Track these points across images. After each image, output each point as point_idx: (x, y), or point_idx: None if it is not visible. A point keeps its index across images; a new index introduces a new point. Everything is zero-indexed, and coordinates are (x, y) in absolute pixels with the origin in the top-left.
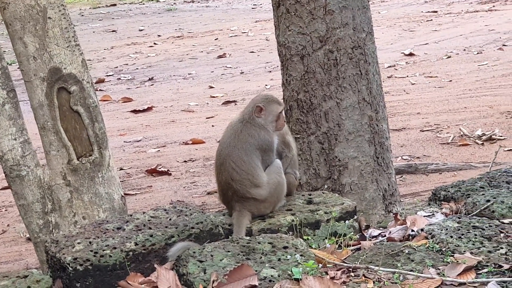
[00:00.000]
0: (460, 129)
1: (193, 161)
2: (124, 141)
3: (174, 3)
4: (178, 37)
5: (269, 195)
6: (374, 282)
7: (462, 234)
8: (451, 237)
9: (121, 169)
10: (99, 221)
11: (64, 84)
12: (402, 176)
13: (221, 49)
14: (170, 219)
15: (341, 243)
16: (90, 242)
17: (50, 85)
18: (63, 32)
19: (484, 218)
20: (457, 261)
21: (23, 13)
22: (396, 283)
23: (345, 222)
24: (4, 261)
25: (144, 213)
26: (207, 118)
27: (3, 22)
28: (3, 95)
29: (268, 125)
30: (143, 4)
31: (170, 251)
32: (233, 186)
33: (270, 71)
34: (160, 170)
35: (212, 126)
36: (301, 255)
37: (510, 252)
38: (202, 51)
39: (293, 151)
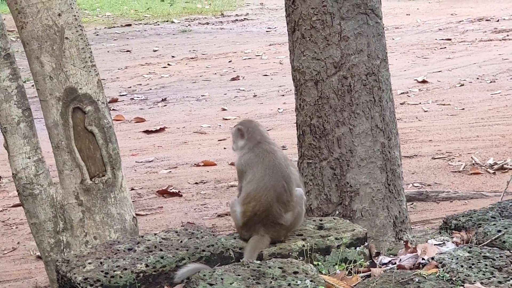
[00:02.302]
0: (472, 157)
1: (204, 183)
2: (135, 162)
3: (188, 25)
4: (192, 58)
5: (291, 224)
6: None
7: (473, 264)
8: (462, 266)
9: (132, 189)
10: (110, 241)
11: (79, 104)
12: (412, 203)
13: (234, 71)
14: (181, 241)
15: (351, 269)
16: (101, 263)
17: (65, 105)
18: (80, 53)
19: (495, 248)
20: None
21: (41, 33)
22: None
23: (355, 248)
24: (13, 278)
25: (155, 234)
26: (219, 140)
27: (19, 40)
28: (18, 113)
29: None
30: (158, 25)
31: (178, 273)
32: (273, 208)
33: (283, 95)
34: (171, 191)
35: (224, 148)
36: (311, 281)
37: None
38: (215, 73)
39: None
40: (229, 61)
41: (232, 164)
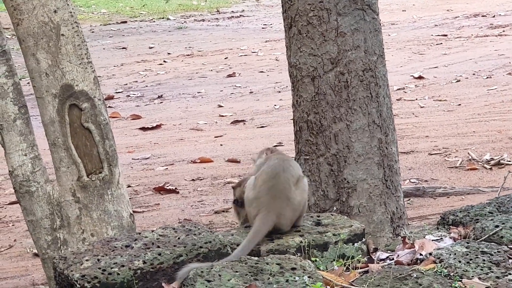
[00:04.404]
0: (468, 153)
1: (201, 179)
2: (132, 158)
3: (184, 22)
4: (188, 55)
5: (297, 205)
6: None
7: (471, 259)
8: (460, 262)
9: (129, 186)
10: (108, 238)
11: (75, 101)
12: (409, 199)
13: (230, 68)
14: (178, 238)
15: (349, 265)
16: (98, 260)
17: (61, 102)
18: (76, 49)
19: (492, 243)
20: (465, 286)
21: (37, 30)
22: None
23: (353, 244)
24: (10, 276)
25: (152, 231)
26: (215, 137)
27: (15, 37)
28: (14, 110)
29: None
30: (154, 21)
31: (179, 273)
32: (281, 178)
33: (279, 91)
34: (167, 188)
35: (221, 145)
36: (309, 277)
37: None
38: (211, 70)
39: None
40: (225, 58)
41: (229, 160)
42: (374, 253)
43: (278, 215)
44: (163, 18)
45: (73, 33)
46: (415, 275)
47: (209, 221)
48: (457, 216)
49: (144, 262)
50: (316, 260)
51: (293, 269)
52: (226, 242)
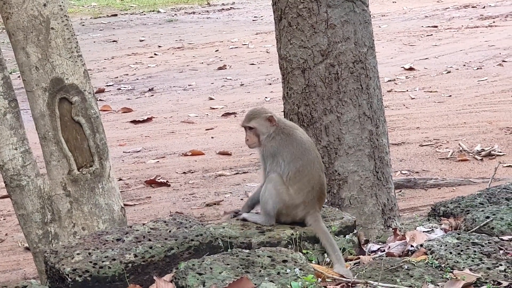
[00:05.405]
0: (459, 144)
1: (192, 172)
2: (123, 152)
3: (175, 14)
4: (179, 48)
5: None
6: None
7: (462, 251)
8: (451, 253)
9: (120, 179)
10: (99, 232)
11: (65, 95)
12: (401, 191)
13: (221, 60)
14: (169, 231)
15: None
16: (89, 253)
17: (51, 95)
18: (66, 43)
19: (483, 234)
20: (456, 278)
21: (26, 23)
22: None
23: (344, 236)
24: (1, 270)
25: (143, 224)
26: (206, 129)
27: (5, 31)
28: (4, 104)
29: None
30: (144, 14)
31: None
32: (322, 179)
33: (270, 84)
34: (159, 181)
35: (212, 137)
36: (300, 269)
37: (509, 269)
38: (202, 63)
39: None
40: (216, 50)
41: (220, 153)
42: (365, 245)
43: (320, 211)
44: (153, 11)
45: (63, 26)
46: (406, 267)
47: (200, 213)
48: (448, 207)
49: (135, 256)
50: (307, 253)
51: (285, 261)
52: (217, 235)
